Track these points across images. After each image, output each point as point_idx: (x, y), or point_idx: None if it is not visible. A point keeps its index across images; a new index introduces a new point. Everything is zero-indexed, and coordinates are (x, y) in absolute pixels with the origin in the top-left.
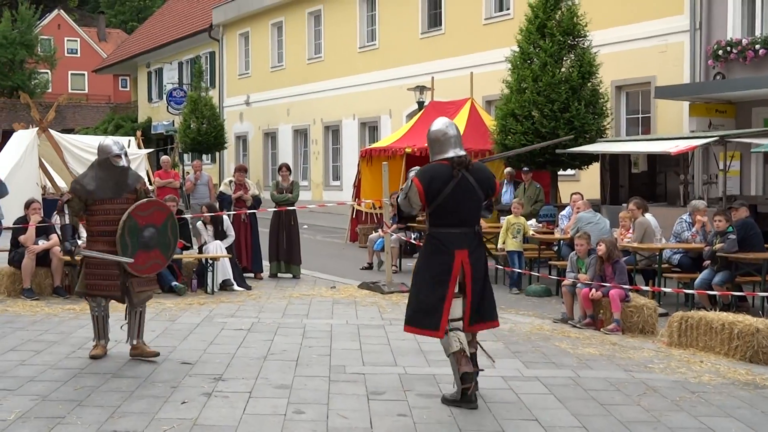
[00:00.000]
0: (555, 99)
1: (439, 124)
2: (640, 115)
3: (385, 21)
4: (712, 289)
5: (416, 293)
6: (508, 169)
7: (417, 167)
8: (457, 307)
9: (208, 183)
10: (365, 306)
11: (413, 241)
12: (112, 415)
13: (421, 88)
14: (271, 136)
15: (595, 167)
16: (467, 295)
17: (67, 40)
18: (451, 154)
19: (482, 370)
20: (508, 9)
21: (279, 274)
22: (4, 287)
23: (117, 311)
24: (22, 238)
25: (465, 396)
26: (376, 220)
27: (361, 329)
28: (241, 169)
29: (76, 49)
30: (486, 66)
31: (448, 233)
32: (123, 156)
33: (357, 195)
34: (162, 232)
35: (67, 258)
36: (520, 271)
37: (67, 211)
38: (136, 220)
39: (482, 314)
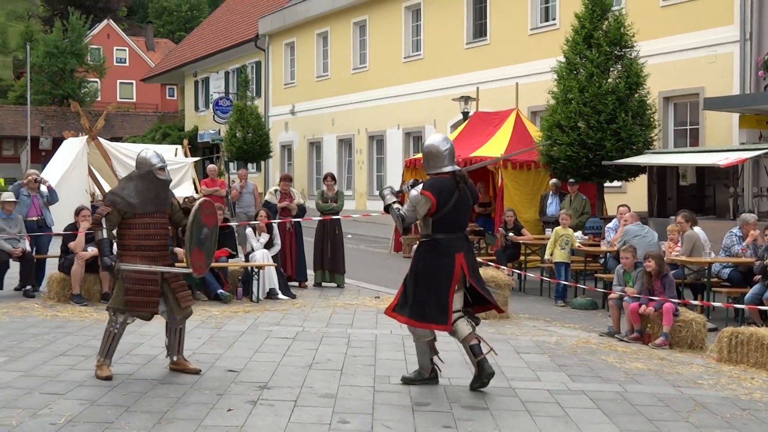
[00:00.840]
0: (601, 110)
1: (435, 139)
2: (688, 127)
3: (430, 31)
4: (763, 304)
5: (422, 292)
6: (554, 180)
7: (413, 180)
8: (458, 301)
9: (254, 192)
10: None
11: None
12: (159, 420)
13: (466, 99)
14: (315, 146)
15: (643, 179)
16: (473, 286)
17: (116, 50)
18: (449, 168)
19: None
20: (554, 19)
21: (323, 284)
22: (55, 293)
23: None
24: (71, 244)
25: (482, 368)
26: (419, 230)
27: (405, 339)
28: (286, 179)
29: (125, 59)
30: (531, 76)
31: (449, 238)
32: (165, 168)
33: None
34: (211, 236)
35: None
36: (566, 283)
37: (105, 225)
38: (201, 215)
39: (483, 299)
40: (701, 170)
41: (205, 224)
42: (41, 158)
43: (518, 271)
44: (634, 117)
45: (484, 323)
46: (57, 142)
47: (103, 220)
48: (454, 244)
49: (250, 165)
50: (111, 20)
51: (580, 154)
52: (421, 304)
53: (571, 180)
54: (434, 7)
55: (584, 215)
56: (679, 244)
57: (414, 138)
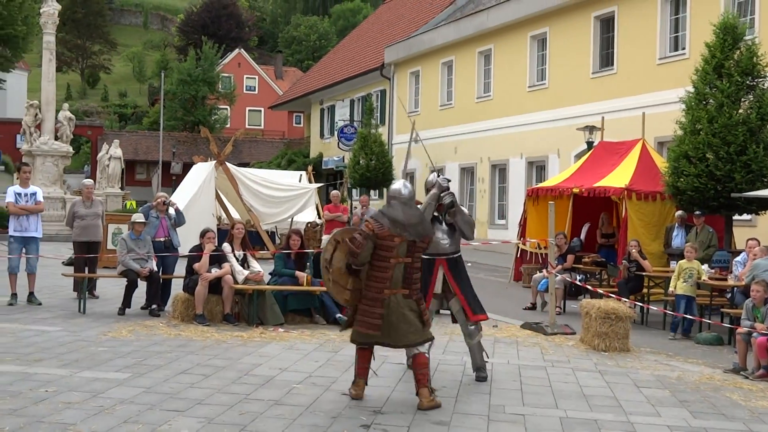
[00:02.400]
0: (731, 141)
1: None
2: None
3: (556, 60)
4: None
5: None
6: (680, 212)
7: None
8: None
9: (363, 215)
10: (527, 346)
11: (578, 283)
12: None
13: (591, 128)
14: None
15: None
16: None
17: (246, 78)
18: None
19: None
20: (683, 49)
21: (440, 311)
22: (179, 312)
23: (257, 346)
24: (196, 265)
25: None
26: (540, 260)
27: (522, 369)
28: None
29: (254, 87)
30: (659, 106)
31: None
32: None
33: (522, 234)
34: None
35: (238, 287)
36: (687, 316)
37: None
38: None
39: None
40: None
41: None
42: (171, 182)
43: (641, 304)
44: (766, 149)
45: (603, 356)
46: (187, 167)
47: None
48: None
49: (372, 191)
50: (242, 49)
51: (708, 185)
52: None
53: (698, 212)
54: (560, 36)
55: (711, 248)
56: None
57: (537, 167)
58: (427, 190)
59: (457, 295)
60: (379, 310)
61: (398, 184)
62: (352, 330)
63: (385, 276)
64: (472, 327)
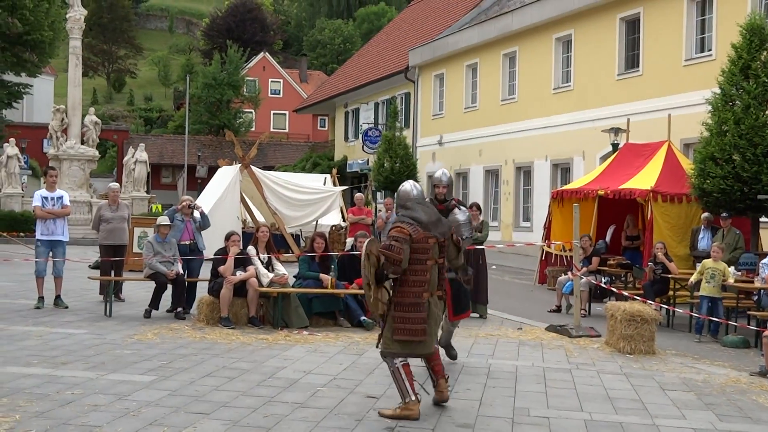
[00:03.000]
0: (758, 143)
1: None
2: None
3: (581, 62)
4: None
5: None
6: (706, 214)
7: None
8: None
9: (388, 220)
10: (552, 349)
11: (603, 285)
12: None
13: (616, 130)
14: (462, 176)
15: None
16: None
17: (271, 81)
18: None
19: None
20: (710, 50)
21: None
22: (204, 315)
23: (281, 349)
24: (221, 268)
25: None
26: (565, 263)
27: (546, 372)
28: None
29: (279, 90)
30: (685, 108)
31: None
32: None
33: (547, 236)
34: None
35: (263, 289)
36: (710, 318)
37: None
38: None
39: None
40: None
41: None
42: (197, 185)
43: (666, 306)
44: None
45: (629, 359)
46: (212, 170)
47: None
48: None
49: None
50: (267, 53)
51: (734, 187)
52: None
53: (724, 214)
54: (585, 38)
55: (737, 250)
56: None
57: (562, 170)
58: (434, 186)
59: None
60: (422, 314)
61: (407, 186)
62: (390, 343)
63: (424, 279)
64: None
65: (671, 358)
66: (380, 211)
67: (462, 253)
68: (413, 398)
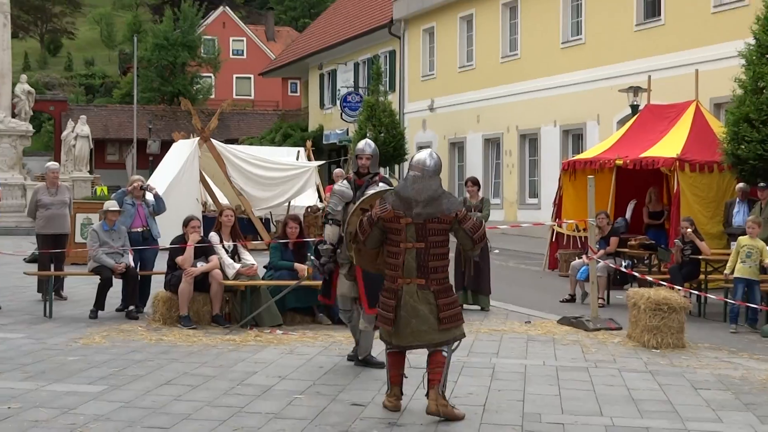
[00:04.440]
0: None
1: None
2: None
3: (593, 12)
4: None
5: None
6: (741, 185)
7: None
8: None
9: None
10: (566, 345)
11: (624, 269)
12: None
13: (635, 89)
14: (457, 147)
15: None
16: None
17: (233, 41)
18: None
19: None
20: None
21: (465, 306)
22: (160, 314)
23: (251, 352)
24: (179, 259)
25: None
26: (579, 245)
27: (560, 372)
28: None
29: (242, 50)
30: (714, 62)
31: None
32: None
33: (557, 215)
34: None
35: (228, 282)
36: (748, 304)
37: None
38: None
39: None
40: None
41: None
42: (148, 163)
43: (697, 293)
44: None
45: (655, 354)
46: (166, 146)
47: None
48: None
49: (382, 169)
50: (227, 7)
51: None
52: None
53: (762, 184)
54: None
55: None
56: None
57: (573, 136)
58: (357, 157)
59: (358, 282)
60: (392, 301)
61: (423, 154)
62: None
63: (396, 263)
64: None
65: (704, 352)
66: None
67: (471, 240)
68: (389, 390)
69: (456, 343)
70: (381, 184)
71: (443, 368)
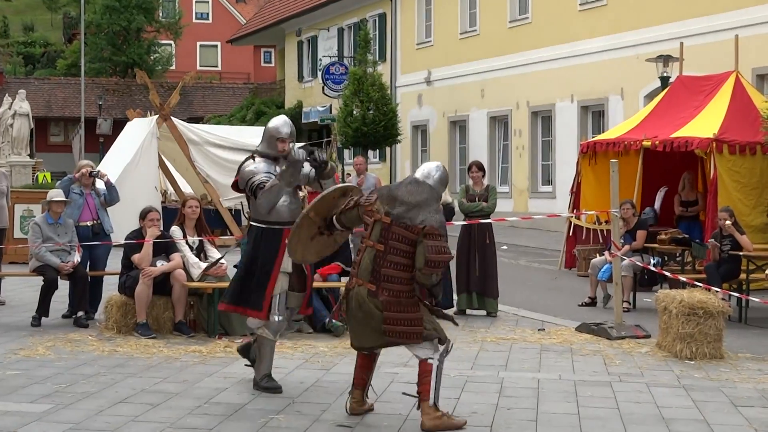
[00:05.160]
0: None
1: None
2: None
3: None
4: None
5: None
6: None
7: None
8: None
9: (376, 187)
10: (585, 355)
11: (653, 268)
12: None
13: (665, 59)
14: (459, 126)
15: None
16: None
17: (196, 2)
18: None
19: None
20: None
21: (468, 311)
22: (113, 321)
23: (220, 365)
24: (135, 257)
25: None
26: (601, 240)
27: (579, 387)
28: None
29: (207, 14)
30: (757, 27)
31: None
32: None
33: (575, 205)
34: None
35: (193, 284)
36: None
37: None
38: None
39: None
40: None
41: None
42: (99, 145)
43: (737, 295)
44: None
45: (688, 366)
46: (119, 125)
47: None
48: None
49: (371, 152)
50: None
51: None
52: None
53: None
54: None
55: None
56: None
57: (593, 114)
58: (277, 140)
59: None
60: (344, 300)
61: (433, 164)
62: None
63: (357, 260)
64: (298, 321)
65: (745, 364)
66: (349, 174)
67: (424, 259)
68: (353, 390)
69: (442, 348)
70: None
71: (431, 378)
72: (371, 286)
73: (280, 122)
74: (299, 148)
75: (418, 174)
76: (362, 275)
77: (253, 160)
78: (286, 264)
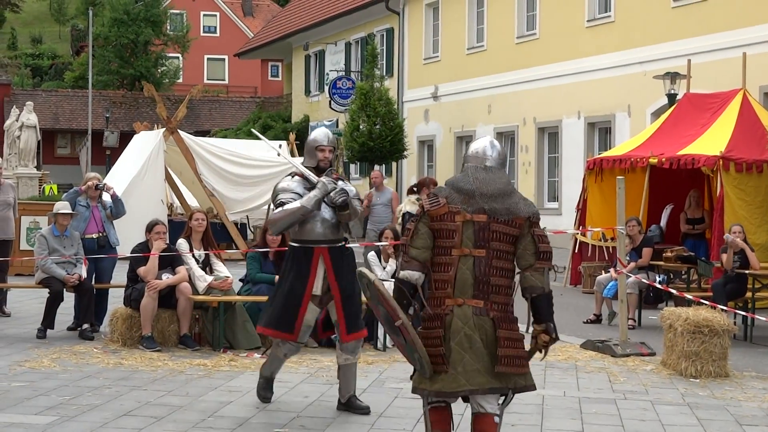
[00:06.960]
0: None
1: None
2: None
3: None
4: None
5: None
6: None
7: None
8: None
9: (392, 203)
10: (590, 372)
11: (658, 286)
12: None
13: (673, 76)
14: (465, 141)
15: None
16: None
17: (204, 16)
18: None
19: None
20: None
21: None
22: (119, 334)
23: (224, 379)
24: (141, 270)
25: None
26: (606, 257)
27: (583, 404)
28: (431, 184)
29: (215, 27)
30: (765, 44)
31: None
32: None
33: (581, 221)
34: None
35: (199, 298)
36: None
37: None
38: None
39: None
40: None
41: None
42: (105, 158)
43: (743, 313)
44: None
45: (694, 384)
46: (125, 138)
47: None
48: None
49: (377, 166)
50: None
51: None
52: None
53: None
54: None
55: None
56: None
57: (600, 130)
58: (317, 149)
59: (335, 302)
60: (438, 330)
61: (484, 141)
62: (417, 373)
63: (446, 278)
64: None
65: (751, 383)
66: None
67: (536, 251)
68: None
69: (508, 398)
70: (340, 182)
71: None
72: (477, 302)
73: (320, 132)
74: (327, 179)
75: (473, 156)
76: (462, 293)
77: (291, 177)
78: (317, 286)
